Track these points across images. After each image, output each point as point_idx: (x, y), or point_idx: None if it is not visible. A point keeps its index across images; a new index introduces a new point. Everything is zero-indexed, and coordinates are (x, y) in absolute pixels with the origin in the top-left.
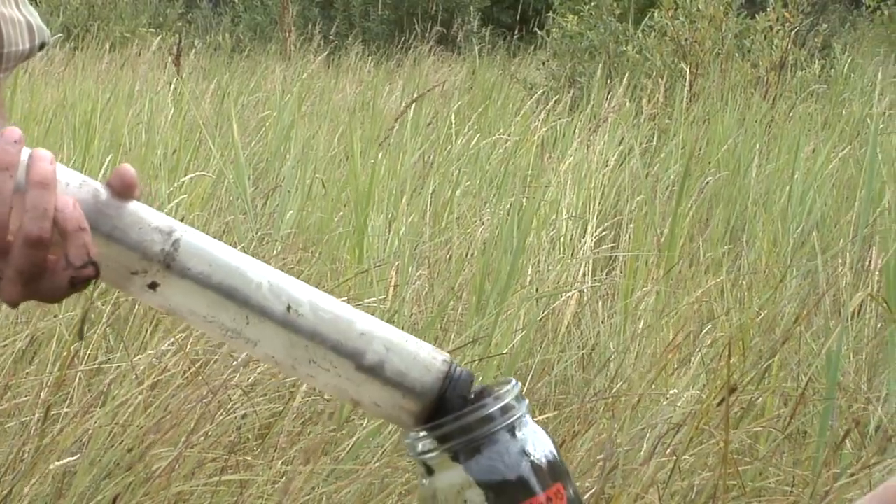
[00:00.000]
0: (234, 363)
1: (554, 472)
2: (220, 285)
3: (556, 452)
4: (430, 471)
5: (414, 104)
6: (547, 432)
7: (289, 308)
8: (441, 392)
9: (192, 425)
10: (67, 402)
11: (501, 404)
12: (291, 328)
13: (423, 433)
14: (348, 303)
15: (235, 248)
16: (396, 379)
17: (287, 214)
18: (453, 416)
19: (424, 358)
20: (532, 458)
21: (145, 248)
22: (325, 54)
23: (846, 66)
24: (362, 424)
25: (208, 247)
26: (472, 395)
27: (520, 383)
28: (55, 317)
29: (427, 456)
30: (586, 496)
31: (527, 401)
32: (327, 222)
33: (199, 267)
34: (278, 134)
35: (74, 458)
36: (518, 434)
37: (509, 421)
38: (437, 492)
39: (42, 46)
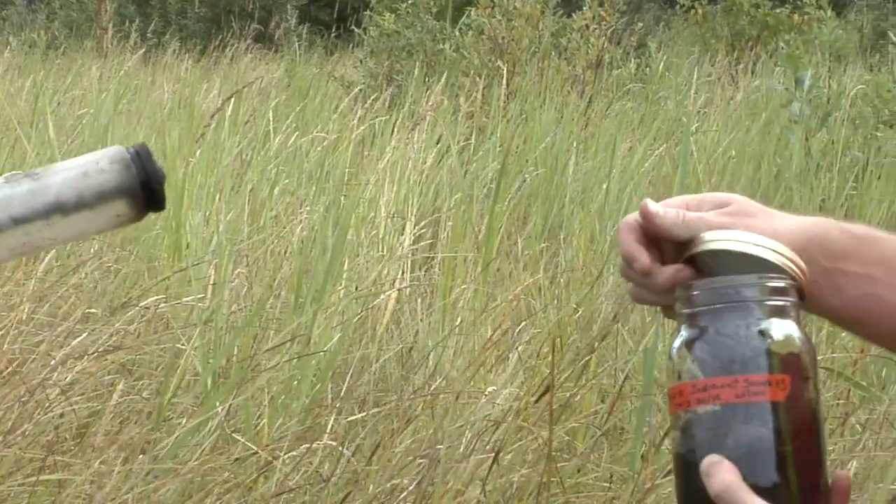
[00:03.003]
0: (52, 362)
1: (788, 365)
2: None
3: (805, 356)
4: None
5: (231, 102)
6: (809, 341)
7: None
8: (141, 178)
9: (9, 424)
10: None
11: (770, 284)
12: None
13: (695, 291)
14: (166, 302)
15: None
16: (99, 198)
17: None
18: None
19: (106, 164)
20: (769, 342)
21: None
22: (141, 52)
23: (661, 65)
24: (181, 423)
25: None
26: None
27: (796, 282)
28: None
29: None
30: (404, 494)
31: (803, 302)
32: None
33: None
34: (95, 132)
35: None
36: (772, 317)
37: (768, 301)
38: (672, 348)
39: None
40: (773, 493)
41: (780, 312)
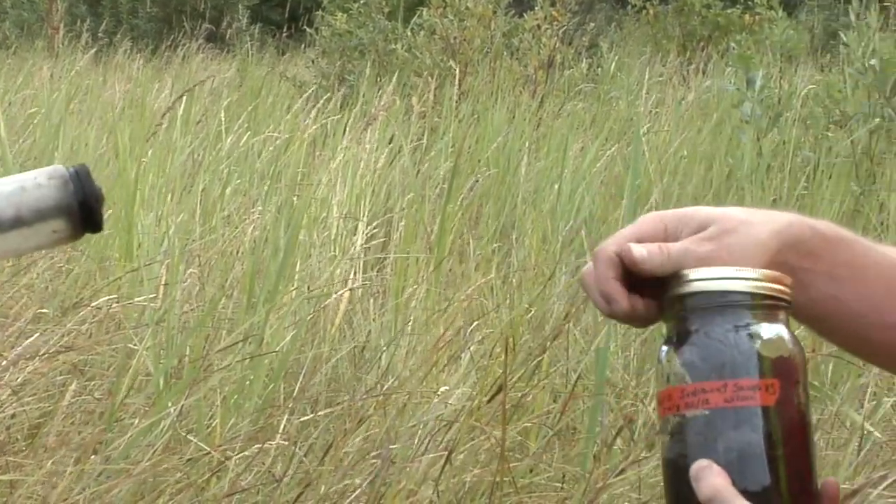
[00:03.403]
0: (4, 363)
1: (777, 369)
2: None
3: (794, 359)
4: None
5: (183, 102)
6: (798, 343)
7: None
8: (79, 196)
9: None
10: None
11: (759, 288)
12: None
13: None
14: (118, 302)
15: None
16: (36, 214)
17: None
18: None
19: (44, 180)
20: (759, 345)
21: None
22: (93, 51)
23: (613, 65)
24: (133, 424)
25: None
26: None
27: (787, 287)
28: None
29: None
30: (356, 494)
31: (790, 306)
32: None
33: None
34: (46, 132)
35: None
36: (761, 321)
37: (757, 304)
38: (661, 350)
39: None
40: (764, 498)
41: (769, 316)
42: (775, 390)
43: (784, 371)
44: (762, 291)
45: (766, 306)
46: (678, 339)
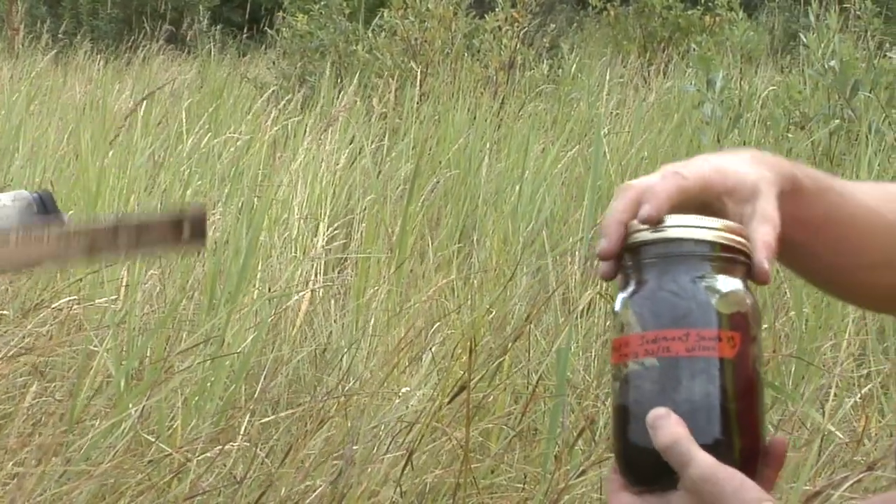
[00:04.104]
0: None
1: (736, 322)
2: None
3: (751, 314)
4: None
5: (144, 103)
6: (755, 299)
7: None
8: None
9: None
10: None
11: (714, 238)
12: None
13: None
14: (79, 303)
15: None
16: None
17: None
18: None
19: (9, 203)
20: (719, 297)
21: None
22: (53, 53)
23: (574, 66)
24: (94, 425)
25: None
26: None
27: (746, 240)
28: None
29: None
30: (317, 494)
31: (749, 261)
32: None
33: None
34: (6, 133)
35: None
36: (720, 273)
37: (718, 256)
38: (618, 298)
39: None
40: (715, 449)
41: (727, 269)
42: (735, 343)
43: (743, 325)
44: (722, 241)
45: (725, 258)
46: (636, 288)
